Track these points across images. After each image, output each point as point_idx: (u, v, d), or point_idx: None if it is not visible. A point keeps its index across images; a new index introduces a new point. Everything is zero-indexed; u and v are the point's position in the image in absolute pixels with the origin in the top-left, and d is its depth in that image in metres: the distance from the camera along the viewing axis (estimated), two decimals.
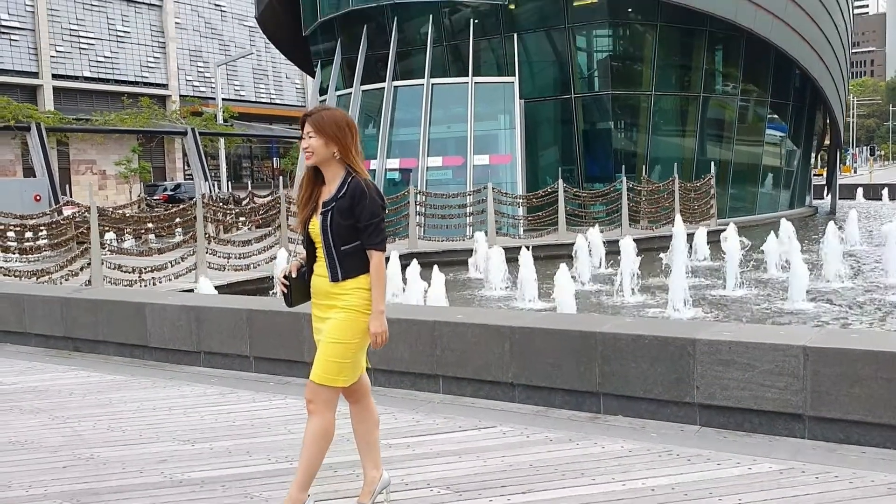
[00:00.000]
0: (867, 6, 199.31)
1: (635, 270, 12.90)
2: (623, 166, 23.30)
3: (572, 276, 11.65)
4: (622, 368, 5.07)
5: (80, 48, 49.27)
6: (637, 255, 12.81)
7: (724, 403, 4.76)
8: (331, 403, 3.38)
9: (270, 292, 13.59)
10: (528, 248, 13.19)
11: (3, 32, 45.47)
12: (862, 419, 4.39)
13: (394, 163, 26.38)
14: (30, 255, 15.30)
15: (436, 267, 11.96)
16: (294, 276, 3.48)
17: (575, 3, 26.67)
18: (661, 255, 12.75)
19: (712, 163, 25.48)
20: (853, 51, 36.78)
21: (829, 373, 4.46)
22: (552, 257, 16.52)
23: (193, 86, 56.34)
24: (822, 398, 4.48)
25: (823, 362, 4.47)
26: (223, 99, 48.93)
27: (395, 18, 27.51)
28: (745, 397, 4.68)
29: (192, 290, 11.66)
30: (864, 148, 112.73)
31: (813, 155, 37.46)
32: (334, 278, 3.34)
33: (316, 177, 3.43)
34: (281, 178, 22.42)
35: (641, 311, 11.79)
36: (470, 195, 21.87)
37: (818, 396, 4.49)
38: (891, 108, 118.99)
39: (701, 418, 4.87)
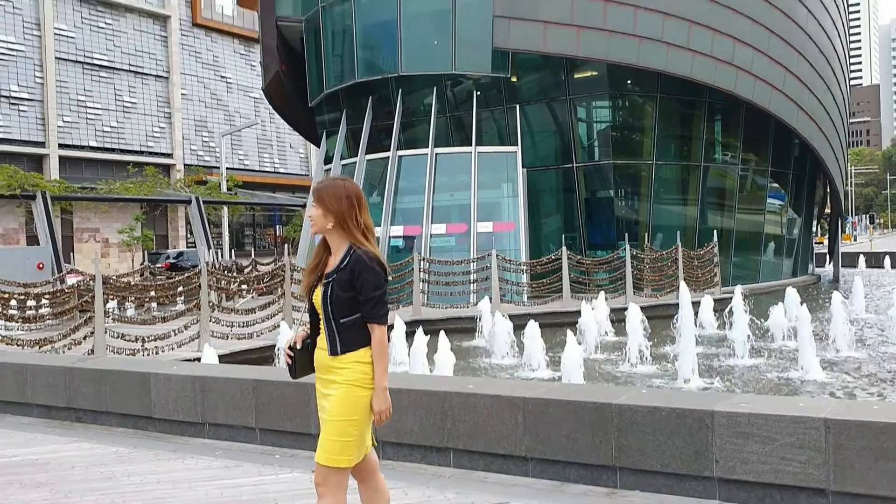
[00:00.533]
0: (861, 77, 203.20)
1: (643, 339, 12.78)
2: (626, 234, 23.37)
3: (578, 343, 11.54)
4: (639, 441, 4.95)
5: (86, 118, 50.04)
6: (643, 323, 12.71)
7: (744, 478, 4.64)
8: (341, 485, 3.29)
9: (275, 362, 13.45)
10: (534, 319, 13.11)
11: (13, 103, 46.25)
12: (889, 494, 4.26)
13: (398, 230, 26.49)
14: (32, 324, 15.21)
15: (442, 333, 11.86)
16: (299, 346, 3.43)
17: (576, 76, 27.16)
18: (673, 323, 12.66)
19: (714, 231, 25.57)
20: (850, 121, 37.28)
21: (852, 446, 4.35)
22: (556, 324, 16.42)
23: (198, 155, 57.02)
24: (846, 472, 4.36)
25: (846, 435, 4.37)
26: (227, 168, 49.46)
27: (400, 90, 27.96)
28: (766, 471, 4.56)
29: (196, 360, 11.54)
30: (864, 216, 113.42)
31: (814, 223, 37.61)
32: (333, 351, 3.29)
33: (326, 246, 3.42)
34: (285, 245, 22.46)
35: (651, 380, 11.64)
36: (474, 262, 21.88)
37: (842, 471, 4.38)
38: (888, 177, 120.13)
39: (721, 493, 4.74)
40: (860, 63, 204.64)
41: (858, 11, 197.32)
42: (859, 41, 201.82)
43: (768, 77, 26.96)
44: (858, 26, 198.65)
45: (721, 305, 16.71)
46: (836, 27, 32.14)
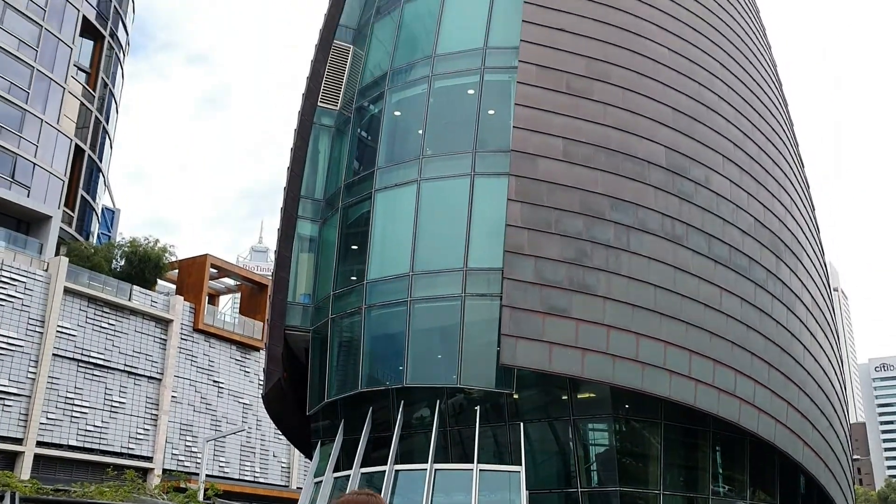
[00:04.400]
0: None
1: None
2: None
3: None
4: None
5: (71, 416, 48.95)
6: None
7: None
8: None
9: None
10: None
11: None
12: None
13: None
14: None
15: None
16: None
17: (579, 396, 27.08)
18: None
19: None
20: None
21: None
22: None
23: (179, 460, 55.04)
24: None
25: None
26: (208, 475, 47.47)
27: (401, 402, 27.67)
28: None
29: None
30: None
31: None
32: None
33: None
34: None
35: None
36: None
37: None
38: None
39: None
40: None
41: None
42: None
43: (771, 410, 26.96)
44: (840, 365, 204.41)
45: None
46: (831, 353, 32.88)
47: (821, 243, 37.15)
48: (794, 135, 37.69)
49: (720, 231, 28.59)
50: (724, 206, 29.14)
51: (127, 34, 65.88)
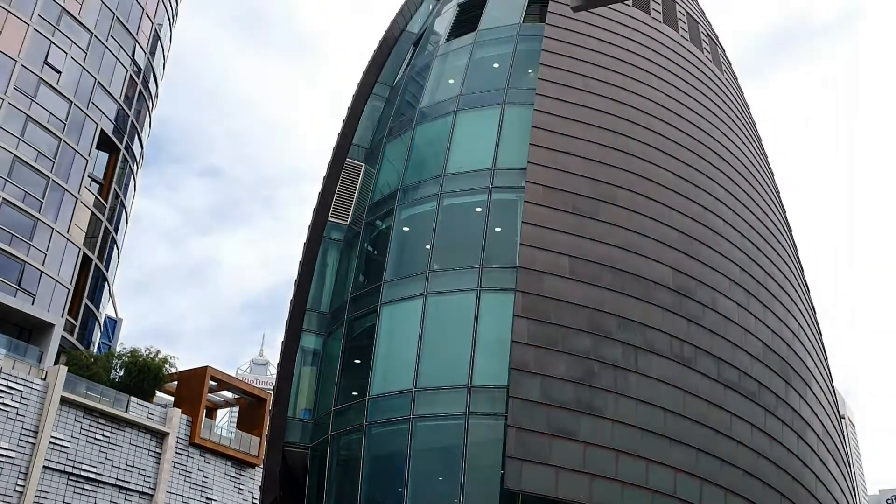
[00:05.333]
0: None
1: None
2: None
3: None
4: None
5: None
6: None
7: None
8: None
9: None
10: None
11: None
12: None
13: None
14: None
15: None
16: None
17: None
18: None
19: None
20: None
21: None
22: None
23: None
24: None
25: None
26: None
27: None
28: None
29: None
30: None
31: None
32: None
33: None
34: None
35: None
36: None
37: None
38: None
39: None
40: None
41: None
42: None
43: None
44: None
45: None
46: None
47: (829, 369, 36.73)
48: (799, 260, 37.91)
49: (729, 355, 28.31)
50: (733, 330, 28.96)
51: (142, 147, 67.59)
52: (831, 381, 36.54)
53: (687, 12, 38.75)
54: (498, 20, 34.57)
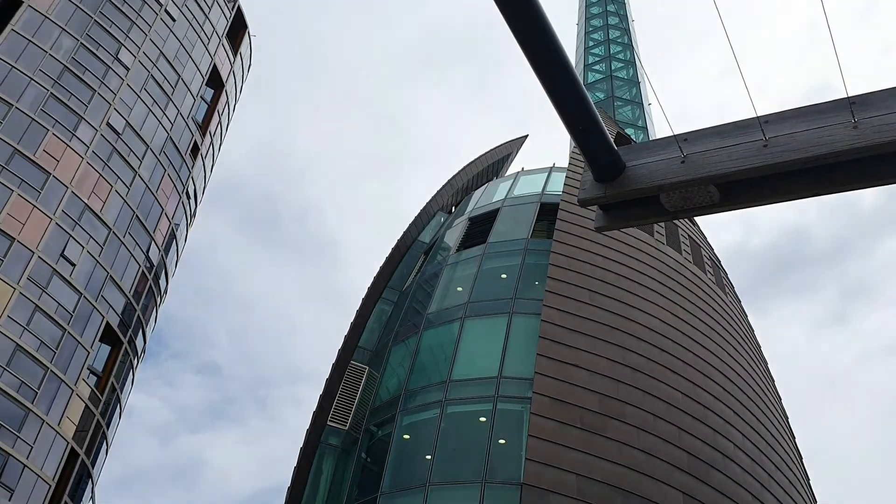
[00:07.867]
0: None
1: None
2: None
3: None
4: None
5: None
6: None
7: None
8: None
9: None
10: None
11: None
12: None
13: None
14: None
15: None
16: None
17: None
18: None
19: None
20: None
21: None
22: None
23: None
24: None
25: None
26: None
27: None
28: None
29: None
30: None
31: None
32: None
33: None
34: None
35: None
36: None
37: None
38: None
39: None
40: None
41: None
42: None
43: None
44: None
45: None
46: None
47: None
48: (811, 488, 36.40)
49: None
50: None
51: (145, 342, 67.46)
52: None
53: (689, 236, 39.92)
54: (507, 234, 35.63)
